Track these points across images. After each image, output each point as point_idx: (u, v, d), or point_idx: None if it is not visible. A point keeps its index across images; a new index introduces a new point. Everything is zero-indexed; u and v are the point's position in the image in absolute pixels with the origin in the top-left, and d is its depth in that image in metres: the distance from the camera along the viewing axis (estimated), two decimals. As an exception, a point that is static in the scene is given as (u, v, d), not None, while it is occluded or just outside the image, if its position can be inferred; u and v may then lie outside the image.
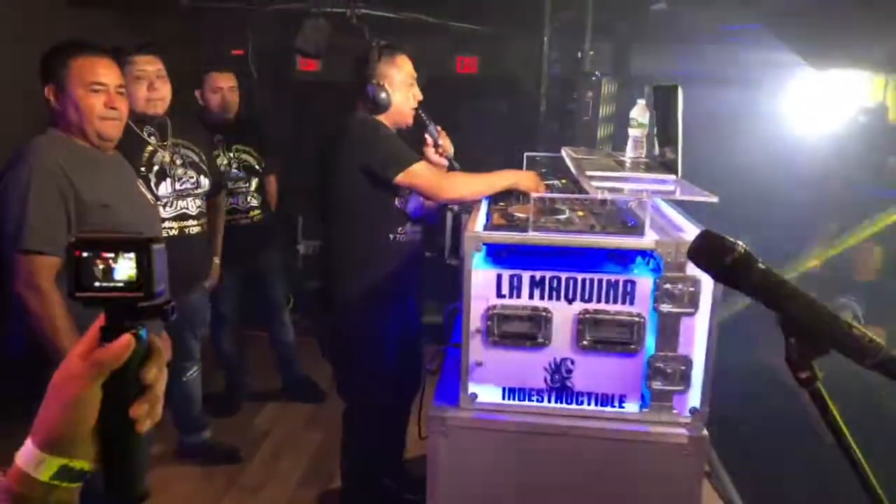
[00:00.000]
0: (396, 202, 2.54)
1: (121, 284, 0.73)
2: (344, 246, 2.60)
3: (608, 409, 1.76)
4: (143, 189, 2.48)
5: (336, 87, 4.66)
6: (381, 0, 4.51)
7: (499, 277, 1.70)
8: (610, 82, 3.94)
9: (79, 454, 0.72)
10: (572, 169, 2.36)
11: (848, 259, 4.28)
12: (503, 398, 1.78)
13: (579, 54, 4.45)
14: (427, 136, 2.68)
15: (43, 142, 2.13)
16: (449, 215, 2.62)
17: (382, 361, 2.62)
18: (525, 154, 2.89)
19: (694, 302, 1.65)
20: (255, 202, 3.68)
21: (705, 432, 1.72)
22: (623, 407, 1.75)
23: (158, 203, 2.78)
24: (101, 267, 0.72)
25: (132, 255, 0.72)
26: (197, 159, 3.03)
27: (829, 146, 4.81)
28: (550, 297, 1.70)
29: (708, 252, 0.94)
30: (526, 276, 1.69)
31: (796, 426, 3.46)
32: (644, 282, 1.67)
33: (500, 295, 1.70)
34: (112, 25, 4.41)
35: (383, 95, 2.52)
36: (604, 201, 2.01)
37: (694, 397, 1.73)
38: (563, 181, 2.62)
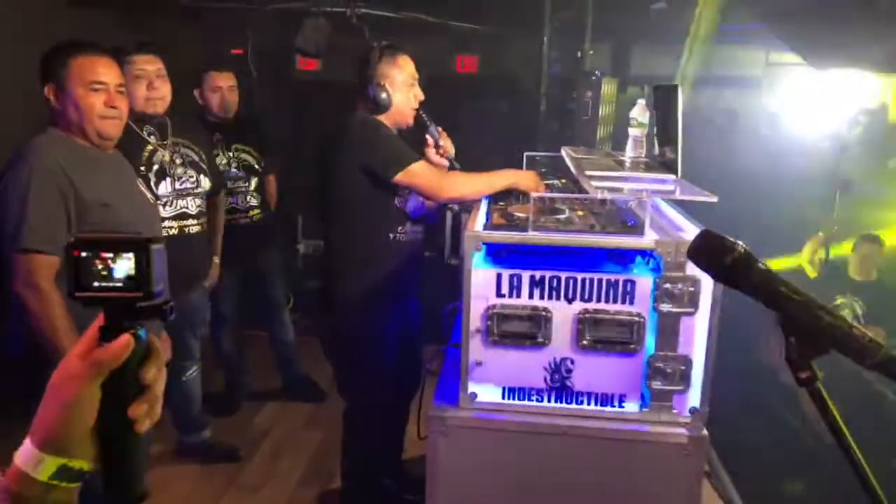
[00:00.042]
0: (396, 202, 2.54)
1: (120, 284, 0.73)
2: (344, 245, 2.60)
3: (608, 408, 1.76)
4: (143, 188, 2.48)
5: (336, 87, 4.66)
6: (381, -1, 4.52)
7: (498, 277, 1.70)
8: (610, 82, 3.94)
9: (78, 454, 0.72)
10: (572, 168, 2.36)
11: (847, 259, 4.28)
12: (503, 398, 1.78)
13: (579, 54, 4.45)
14: (428, 136, 2.68)
15: (43, 141, 2.13)
16: (448, 215, 2.63)
17: (382, 361, 2.62)
18: (525, 154, 2.89)
19: (694, 302, 1.65)
20: (254, 202, 3.68)
21: (705, 432, 1.72)
22: (623, 407, 1.75)
23: (158, 202, 2.78)
24: (100, 267, 0.72)
25: (131, 255, 0.72)
26: (197, 159, 3.03)
27: (829, 146, 4.81)
28: (550, 297, 1.69)
29: (708, 252, 0.94)
30: (526, 275, 1.69)
31: (796, 426, 3.47)
32: (644, 281, 1.67)
33: (499, 294, 1.70)
34: (112, 25, 4.41)
35: (384, 96, 2.51)
36: (604, 201, 2.01)
37: (694, 397, 1.73)
38: (563, 181, 2.61)
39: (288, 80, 5.38)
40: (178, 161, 2.93)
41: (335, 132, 2.55)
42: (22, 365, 2.14)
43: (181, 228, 2.92)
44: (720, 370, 1.70)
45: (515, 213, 1.96)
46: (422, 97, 2.62)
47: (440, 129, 2.70)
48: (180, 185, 2.92)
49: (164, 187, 2.86)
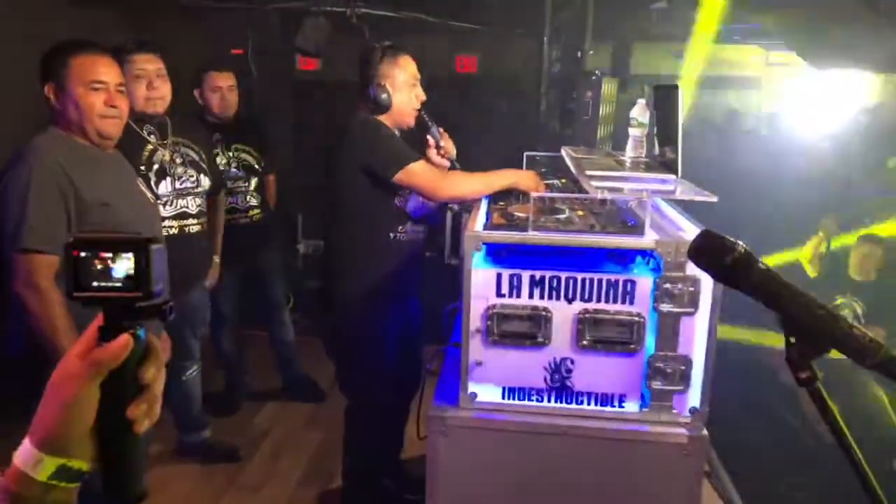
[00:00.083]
0: (396, 201, 2.54)
1: (119, 284, 0.72)
2: (344, 245, 2.60)
3: (608, 408, 1.75)
4: (143, 188, 2.48)
5: (336, 87, 4.68)
6: (381, -1, 4.52)
7: (498, 277, 1.69)
8: (610, 82, 3.94)
9: (77, 454, 0.72)
10: (572, 168, 2.36)
11: (848, 258, 4.28)
12: (503, 398, 1.77)
13: (579, 54, 4.45)
14: (429, 137, 2.68)
15: (43, 140, 2.12)
16: (448, 215, 2.62)
17: (382, 361, 2.62)
18: (525, 153, 2.88)
19: (694, 302, 1.65)
20: (254, 201, 3.68)
21: (705, 432, 1.72)
22: (623, 407, 1.75)
23: (158, 202, 2.78)
24: (99, 267, 0.72)
25: (130, 254, 0.72)
26: (197, 158, 3.03)
27: (829, 146, 4.81)
28: (550, 297, 1.69)
29: (708, 252, 0.94)
30: (526, 275, 1.69)
31: (796, 426, 3.46)
32: (644, 281, 1.67)
33: (499, 294, 1.70)
34: (112, 25, 4.41)
35: (384, 96, 2.51)
36: (604, 201, 2.01)
37: (694, 397, 1.73)
38: (563, 181, 2.61)
39: (288, 79, 5.38)
40: (178, 160, 2.93)
41: (338, 133, 2.55)
42: (22, 365, 2.14)
43: (181, 228, 2.92)
44: (720, 370, 1.70)
45: (515, 213, 1.96)
46: (423, 98, 2.62)
47: (441, 129, 2.70)
48: (180, 184, 2.91)
49: (165, 187, 2.86)
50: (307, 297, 4.65)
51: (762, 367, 3.75)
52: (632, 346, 1.69)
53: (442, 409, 1.78)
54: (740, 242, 0.91)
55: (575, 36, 4.55)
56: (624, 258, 1.76)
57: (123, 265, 0.72)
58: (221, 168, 3.46)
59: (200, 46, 4.45)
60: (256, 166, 3.67)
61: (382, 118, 2.55)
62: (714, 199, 1.79)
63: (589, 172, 2.05)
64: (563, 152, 2.67)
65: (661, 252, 1.64)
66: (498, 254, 1.73)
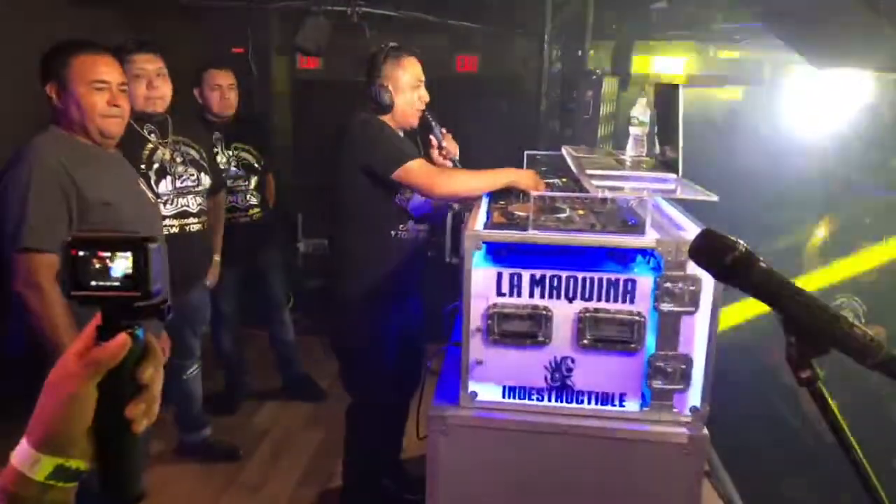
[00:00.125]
0: (397, 199, 2.54)
1: (117, 283, 0.72)
2: (346, 244, 2.61)
3: (608, 407, 1.75)
4: (144, 187, 2.48)
5: (336, 85, 4.68)
6: (382, -2, 4.51)
7: (499, 276, 1.69)
8: (610, 81, 3.94)
9: (74, 454, 0.72)
10: (573, 167, 2.36)
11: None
12: (503, 397, 1.77)
13: (579, 53, 4.45)
14: (432, 137, 2.69)
15: (44, 140, 2.12)
16: (449, 214, 2.62)
17: (383, 360, 2.62)
18: (525, 152, 2.88)
19: (694, 301, 1.65)
20: (254, 200, 3.68)
21: (705, 431, 1.71)
22: (623, 406, 1.75)
23: (159, 200, 2.78)
24: (97, 266, 0.72)
25: (128, 254, 0.72)
26: (197, 157, 3.03)
27: (829, 146, 4.80)
28: (551, 296, 1.69)
29: (709, 251, 0.93)
30: (526, 274, 1.69)
31: (796, 426, 3.46)
32: (644, 280, 1.66)
33: (500, 293, 1.70)
34: (112, 25, 4.41)
35: (386, 97, 2.52)
36: (604, 200, 2.01)
37: (694, 396, 1.73)
38: (564, 180, 2.61)
39: (288, 78, 5.38)
40: (178, 159, 2.93)
41: (339, 132, 2.56)
42: (23, 364, 2.14)
43: (182, 227, 2.92)
44: (720, 370, 1.69)
45: (516, 212, 1.96)
46: (427, 99, 2.62)
47: (445, 130, 2.70)
48: (181, 183, 2.91)
49: (165, 185, 2.86)
50: (307, 297, 4.65)
51: (762, 366, 3.74)
52: (632, 346, 1.69)
53: (442, 409, 1.77)
54: (741, 242, 0.90)
55: (575, 36, 4.55)
56: (624, 257, 1.76)
57: (121, 264, 0.72)
58: (221, 167, 3.46)
59: (200, 46, 4.44)
60: (256, 165, 3.67)
61: (385, 118, 2.55)
62: (715, 198, 1.79)
63: (589, 171, 2.05)
64: (564, 151, 2.66)
65: (662, 251, 1.63)
66: (498, 253, 1.73)
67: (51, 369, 0.74)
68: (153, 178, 2.82)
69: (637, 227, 1.75)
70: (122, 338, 0.72)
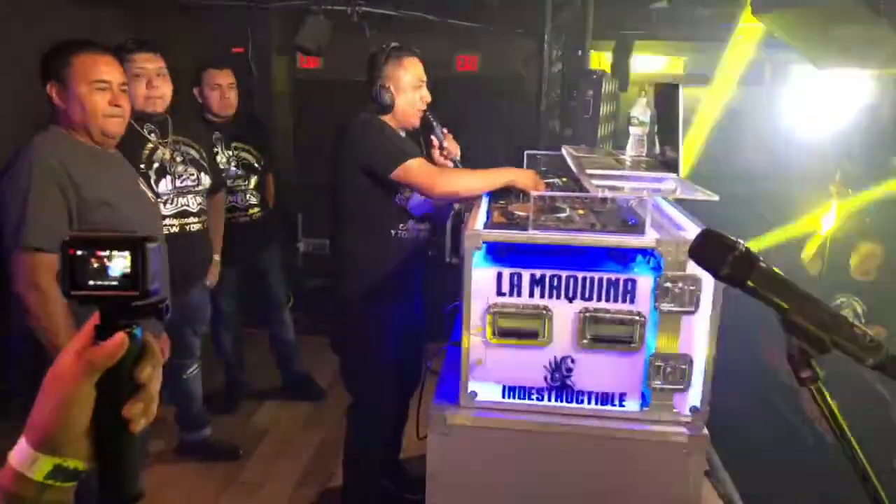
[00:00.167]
0: (397, 199, 2.54)
1: (115, 283, 0.72)
2: (346, 244, 2.61)
3: (608, 407, 1.75)
4: (144, 186, 2.48)
5: (337, 85, 4.68)
6: (382, -3, 4.51)
7: (499, 276, 1.69)
8: (610, 81, 3.93)
9: (72, 453, 0.72)
10: (573, 167, 2.36)
11: (848, 258, 4.27)
12: (503, 396, 1.77)
13: (579, 53, 4.45)
14: (433, 137, 2.69)
15: (44, 139, 2.12)
16: (451, 214, 2.62)
17: (383, 360, 2.62)
18: (525, 152, 2.88)
19: (694, 301, 1.65)
20: (254, 200, 3.68)
21: (705, 431, 1.71)
22: (623, 406, 1.75)
23: (159, 200, 2.77)
24: (95, 265, 0.72)
25: (126, 253, 0.72)
26: (197, 156, 3.03)
27: (829, 146, 4.80)
28: (551, 296, 1.69)
29: (709, 251, 0.93)
30: (526, 274, 1.68)
31: (796, 425, 3.46)
32: (645, 280, 1.66)
33: (500, 293, 1.70)
34: (112, 25, 4.41)
35: (387, 97, 2.52)
36: (604, 200, 2.01)
37: (694, 396, 1.72)
38: (564, 179, 2.61)
39: (288, 78, 5.38)
40: (178, 159, 2.92)
41: (338, 132, 2.56)
42: (23, 364, 2.14)
43: (182, 226, 2.92)
44: (720, 370, 1.69)
45: (516, 212, 1.96)
46: (429, 99, 2.62)
47: (446, 130, 2.70)
48: (181, 182, 2.91)
49: (165, 185, 2.85)
50: (307, 296, 4.65)
51: (763, 366, 3.74)
52: (632, 345, 1.69)
53: (442, 409, 1.77)
54: (741, 241, 0.90)
55: (575, 36, 4.55)
56: (625, 257, 1.76)
57: (119, 264, 0.72)
58: (221, 167, 3.46)
59: (200, 46, 4.44)
60: (256, 165, 3.67)
61: (386, 119, 2.55)
62: (715, 198, 1.79)
63: (590, 171, 2.05)
64: (564, 151, 2.66)
65: (662, 251, 1.63)
66: (498, 252, 1.73)
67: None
68: (153, 177, 2.81)
69: (637, 227, 1.75)
70: (120, 337, 0.72)
